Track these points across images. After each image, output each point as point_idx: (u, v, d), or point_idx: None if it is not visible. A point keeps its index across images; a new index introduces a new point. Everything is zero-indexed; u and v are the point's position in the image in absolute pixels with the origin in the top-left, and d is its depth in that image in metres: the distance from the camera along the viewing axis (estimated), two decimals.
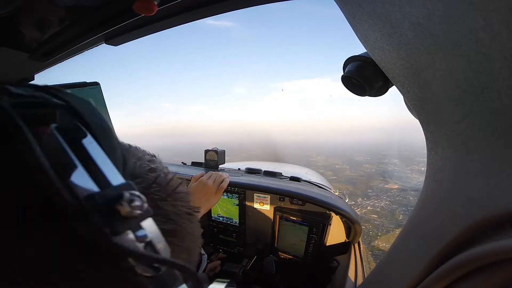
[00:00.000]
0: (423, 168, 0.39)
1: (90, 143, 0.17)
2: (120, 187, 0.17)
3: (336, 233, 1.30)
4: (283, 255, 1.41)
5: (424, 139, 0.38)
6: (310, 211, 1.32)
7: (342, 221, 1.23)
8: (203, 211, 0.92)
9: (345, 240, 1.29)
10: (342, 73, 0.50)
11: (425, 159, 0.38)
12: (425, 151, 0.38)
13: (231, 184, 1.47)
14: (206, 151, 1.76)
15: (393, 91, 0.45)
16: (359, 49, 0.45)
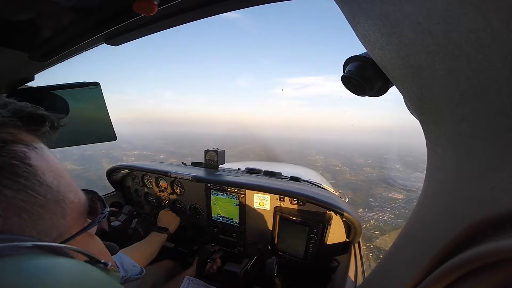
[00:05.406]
0: None
1: None
2: None
3: (336, 233, 1.30)
4: (283, 255, 1.41)
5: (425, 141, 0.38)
6: (310, 211, 1.32)
7: (342, 221, 1.23)
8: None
9: (345, 240, 1.29)
10: (342, 73, 0.50)
11: None
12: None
13: (231, 184, 1.48)
14: (206, 151, 1.76)
15: (393, 91, 0.45)
16: (360, 48, 0.44)
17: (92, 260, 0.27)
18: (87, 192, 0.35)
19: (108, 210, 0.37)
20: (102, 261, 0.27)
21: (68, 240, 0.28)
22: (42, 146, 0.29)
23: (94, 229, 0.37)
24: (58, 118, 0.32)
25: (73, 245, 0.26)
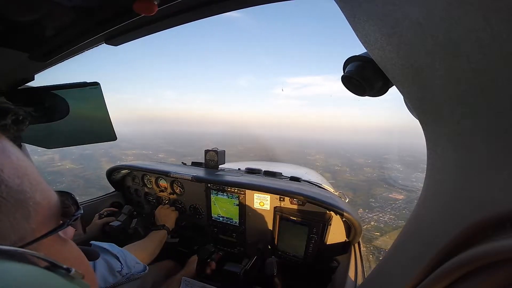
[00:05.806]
0: None
1: None
2: None
3: (336, 233, 1.30)
4: (283, 255, 1.41)
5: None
6: (310, 211, 1.32)
7: (342, 221, 1.23)
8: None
9: (345, 240, 1.29)
10: (342, 73, 0.50)
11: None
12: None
13: (231, 184, 1.48)
14: (206, 151, 1.76)
15: (393, 91, 0.45)
16: (360, 48, 0.44)
17: (52, 266, 0.24)
18: (61, 193, 0.33)
19: (82, 212, 0.34)
20: (65, 266, 0.25)
21: (30, 244, 0.25)
22: (2, 141, 0.27)
23: (69, 233, 0.35)
24: (24, 111, 0.30)
25: (39, 250, 0.25)
